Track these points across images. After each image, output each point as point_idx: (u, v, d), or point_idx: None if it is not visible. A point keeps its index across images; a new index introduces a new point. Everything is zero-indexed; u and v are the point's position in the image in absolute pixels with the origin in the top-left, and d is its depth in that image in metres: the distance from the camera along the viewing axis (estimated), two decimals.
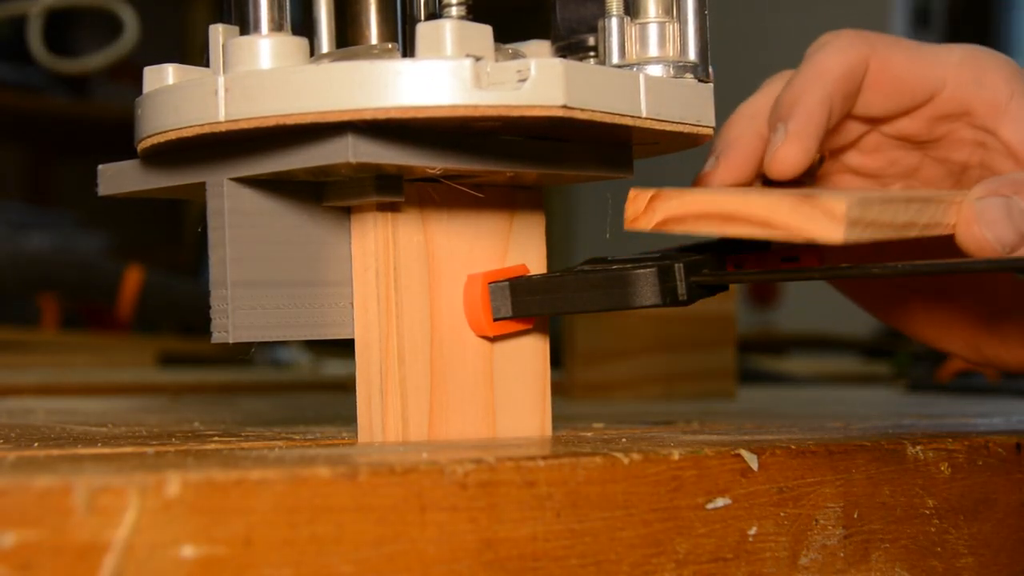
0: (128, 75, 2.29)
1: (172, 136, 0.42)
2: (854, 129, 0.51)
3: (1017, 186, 0.45)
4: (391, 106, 0.39)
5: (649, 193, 0.44)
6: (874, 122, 0.51)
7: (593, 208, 2.55)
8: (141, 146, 0.43)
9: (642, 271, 0.43)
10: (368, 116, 0.39)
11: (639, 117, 0.42)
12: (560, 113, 0.39)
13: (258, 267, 0.43)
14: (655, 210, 0.44)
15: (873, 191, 0.45)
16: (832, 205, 0.39)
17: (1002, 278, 0.53)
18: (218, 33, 0.43)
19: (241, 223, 0.42)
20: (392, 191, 0.43)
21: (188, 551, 0.31)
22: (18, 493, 0.29)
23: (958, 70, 0.49)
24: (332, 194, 0.44)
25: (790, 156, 0.47)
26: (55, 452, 0.40)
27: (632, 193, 0.44)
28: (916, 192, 0.46)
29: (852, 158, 0.53)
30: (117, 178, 0.46)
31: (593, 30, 0.47)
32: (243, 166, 0.42)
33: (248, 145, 0.42)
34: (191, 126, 0.41)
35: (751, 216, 0.41)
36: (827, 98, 0.48)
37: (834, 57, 0.48)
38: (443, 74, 0.39)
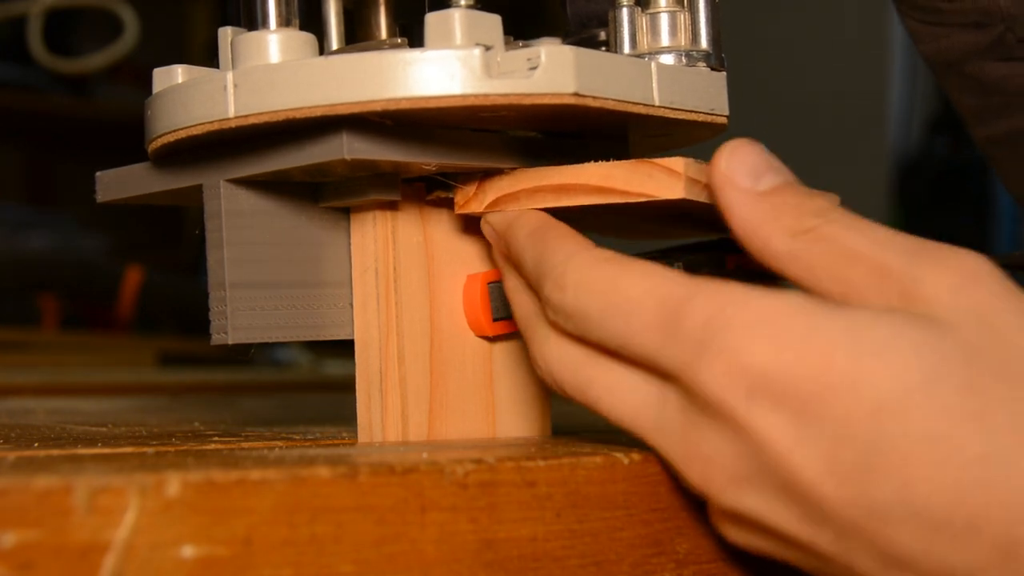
0: (128, 75, 2.29)
1: (183, 135, 0.41)
2: None
3: None
4: (401, 96, 0.38)
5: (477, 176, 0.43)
6: None
7: None
8: (152, 147, 0.43)
9: None
10: (378, 108, 0.38)
11: (651, 105, 0.41)
12: (571, 100, 0.39)
13: (256, 268, 0.43)
14: (485, 191, 0.43)
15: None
16: (670, 163, 0.40)
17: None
18: (227, 35, 0.43)
19: (238, 224, 0.42)
20: (388, 189, 0.42)
21: (188, 551, 0.31)
22: (18, 493, 0.29)
23: None
24: (329, 194, 0.44)
25: None
26: (55, 452, 0.40)
27: (461, 179, 0.43)
28: None
29: None
30: (115, 184, 0.46)
31: (604, 25, 0.46)
32: (239, 167, 0.42)
33: (244, 146, 0.41)
34: (201, 123, 0.40)
35: (586, 184, 0.41)
36: None
37: None
38: (453, 63, 0.38)
